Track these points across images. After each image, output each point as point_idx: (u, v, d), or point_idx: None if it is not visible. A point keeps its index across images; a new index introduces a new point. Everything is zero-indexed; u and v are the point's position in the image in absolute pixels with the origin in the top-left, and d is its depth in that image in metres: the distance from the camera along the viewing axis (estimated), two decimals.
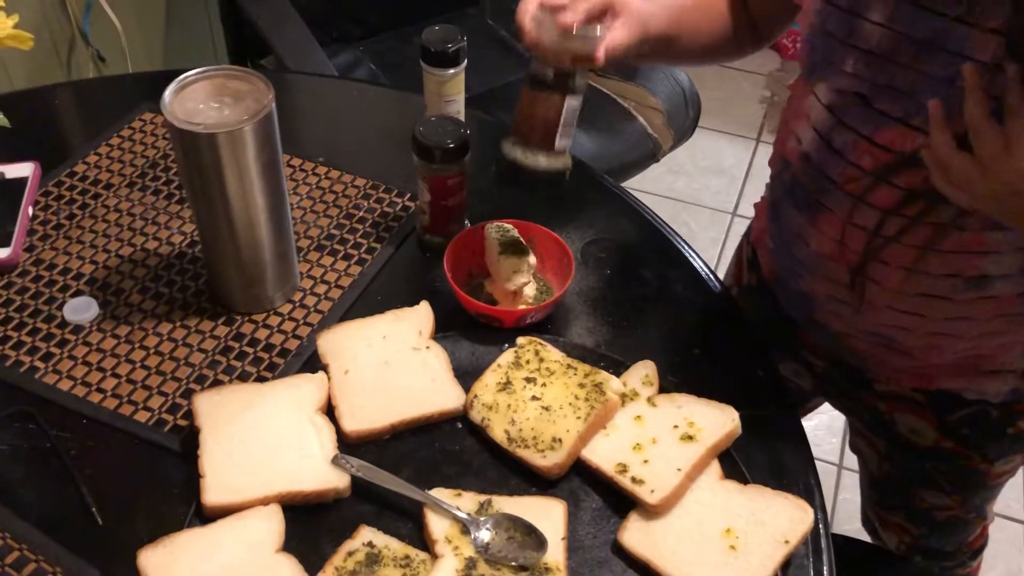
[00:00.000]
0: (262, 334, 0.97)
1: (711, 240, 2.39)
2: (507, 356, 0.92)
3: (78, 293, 1.00)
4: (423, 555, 0.78)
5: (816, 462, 0.89)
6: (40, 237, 1.06)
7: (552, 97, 0.91)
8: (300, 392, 0.88)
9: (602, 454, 0.85)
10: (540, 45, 0.87)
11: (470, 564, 0.77)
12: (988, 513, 1.11)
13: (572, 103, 0.91)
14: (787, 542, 0.79)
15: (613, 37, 0.86)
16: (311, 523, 0.81)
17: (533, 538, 0.78)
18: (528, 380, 0.90)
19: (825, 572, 0.81)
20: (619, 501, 0.83)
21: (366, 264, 1.04)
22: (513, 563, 0.77)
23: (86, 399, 0.90)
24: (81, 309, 0.98)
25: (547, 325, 0.98)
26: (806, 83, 0.88)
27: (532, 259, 0.96)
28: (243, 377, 0.93)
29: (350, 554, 0.77)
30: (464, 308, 0.96)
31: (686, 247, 1.08)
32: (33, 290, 1.00)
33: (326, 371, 0.91)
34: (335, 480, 0.82)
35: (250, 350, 0.95)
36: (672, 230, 1.11)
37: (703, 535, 0.80)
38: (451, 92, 1.07)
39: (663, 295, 1.03)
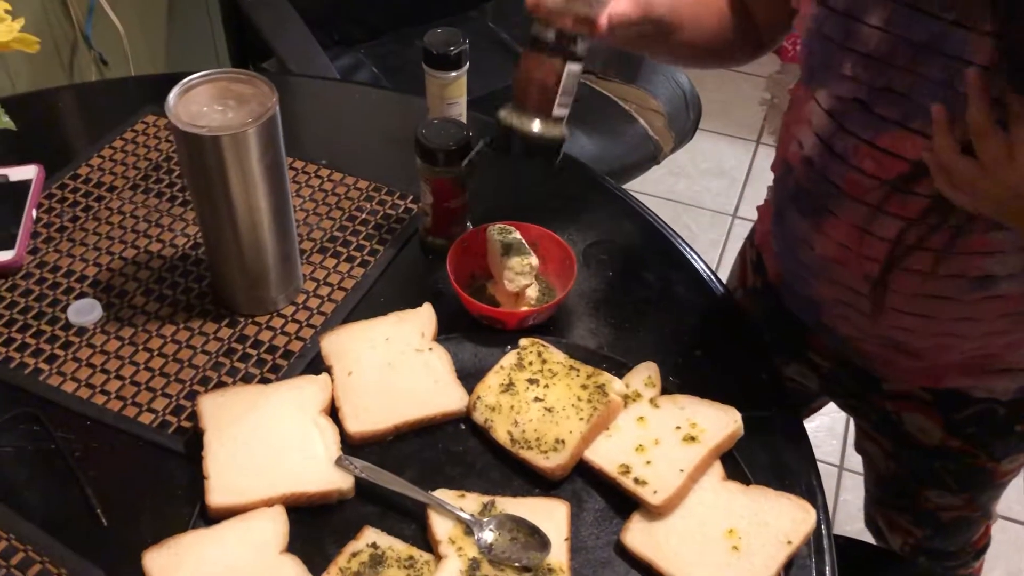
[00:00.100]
0: (266, 336, 0.97)
1: (712, 242, 2.39)
2: (510, 358, 0.92)
3: (82, 295, 1.00)
4: (427, 556, 0.79)
5: (817, 463, 0.89)
6: (44, 240, 1.06)
7: (552, 61, 0.88)
8: (304, 394, 0.89)
9: (605, 455, 0.85)
10: (543, 5, 0.85)
11: (474, 565, 0.77)
12: (993, 512, 1.11)
13: (572, 69, 0.88)
14: (790, 543, 0.79)
15: (616, 4, 0.86)
16: (315, 524, 0.81)
17: (536, 539, 0.78)
18: (531, 381, 0.90)
19: (827, 573, 0.81)
20: (622, 502, 0.83)
21: (369, 266, 1.04)
22: (516, 564, 0.77)
23: (90, 401, 0.91)
24: (85, 311, 0.98)
25: (549, 327, 0.98)
26: (806, 88, 0.88)
27: (534, 261, 0.96)
28: (247, 379, 0.93)
29: (354, 555, 0.78)
30: (467, 310, 0.97)
31: (687, 249, 1.08)
32: (37, 292, 1.01)
33: (329, 373, 0.91)
34: (339, 481, 0.82)
35: (254, 352, 0.96)
36: (674, 232, 1.11)
37: (706, 536, 0.80)
38: (453, 95, 1.08)
39: (665, 297, 1.03)
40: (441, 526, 0.79)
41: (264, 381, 0.93)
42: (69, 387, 0.92)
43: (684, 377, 0.93)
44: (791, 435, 0.90)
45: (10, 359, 0.94)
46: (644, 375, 0.91)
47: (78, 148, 1.19)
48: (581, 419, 0.86)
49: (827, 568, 0.81)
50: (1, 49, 0.94)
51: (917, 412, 1.00)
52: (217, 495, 0.81)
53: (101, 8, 1.78)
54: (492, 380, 0.90)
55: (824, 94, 0.85)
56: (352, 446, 0.86)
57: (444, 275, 0.97)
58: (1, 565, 0.77)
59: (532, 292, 0.98)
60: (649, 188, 2.46)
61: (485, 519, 0.80)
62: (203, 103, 0.88)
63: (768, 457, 0.88)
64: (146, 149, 1.18)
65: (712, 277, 1.06)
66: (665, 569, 0.78)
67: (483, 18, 2.05)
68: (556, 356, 0.92)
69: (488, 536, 0.79)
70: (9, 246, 1.03)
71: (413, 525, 0.82)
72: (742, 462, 0.86)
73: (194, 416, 0.88)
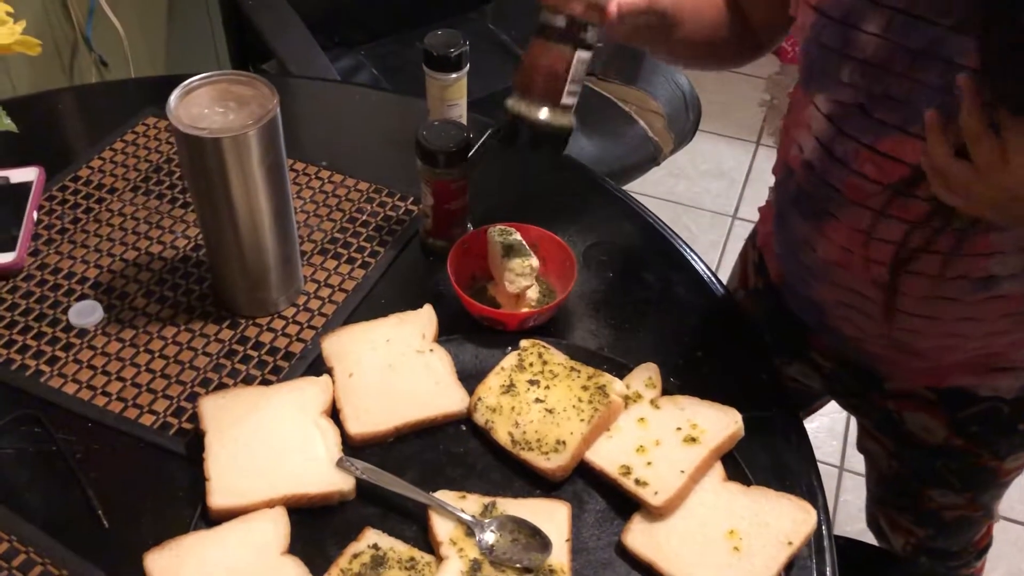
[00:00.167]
0: (266, 337, 0.97)
1: (711, 243, 2.40)
2: (510, 359, 0.92)
3: (83, 297, 1.00)
4: (428, 557, 0.79)
5: (818, 464, 0.89)
6: (45, 241, 1.06)
7: (562, 48, 0.87)
8: (304, 395, 0.89)
9: (606, 456, 0.85)
10: None
11: (475, 566, 0.77)
12: (995, 512, 1.11)
13: (582, 56, 0.88)
14: (790, 543, 0.79)
15: None
16: (316, 526, 0.82)
17: (537, 540, 0.79)
18: (531, 383, 0.90)
19: (828, 573, 0.81)
20: (623, 503, 0.83)
21: (369, 268, 1.04)
22: (517, 565, 0.77)
23: (91, 402, 0.91)
24: (86, 313, 0.98)
25: (550, 328, 0.98)
26: (805, 93, 0.88)
27: (535, 262, 0.96)
28: (248, 380, 0.93)
29: (355, 556, 0.78)
30: (467, 311, 0.97)
31: (687, 250, 1.09)
32: (38, 294, 1.01)
33: (330, 374, 0.91)
34: (340, 483, 0.82)
35: (254, 353, 0.96)
36: (674, 233, 1.11)
37: (706, 537, 0.80)
38: (453, 96, 1.08)
39: (665, 298, 1.03)
40: (442, 527, 0.80)
41: (265, 383, 0.93)
42: (70, 389, 0.92)
43: (685, 378, 0.93)
44: (791, 436, 0.91)
45: (11, 361, 0.94)
46: (645, 376, 0.91)
47: (79, 150, 1.19)
48: (582, 420, 0.86)
49: (828, 569, 0.81)
50: (3, 52, 0.94)
51: (920, 411, 1.00)
52: (218, 497, 0.81)
53: (101, 10, 1.79)
54: (493, 381, 0.91)
55: (823, 99, 0.85)
56: (353, 447, 0.86)
57: (445, 276, 0.98)
58: (3, 567, 0.77)
59: (533, 293, 0.98)
60: (649, 189, 2.47)
61: (486, 520, 0.80)
62: (204, 105, 0.88)
63: (769, 458, 0.88)
64: (147, 151, 1.18)
65: (712, 278, 1.06)
66: (666, 570, 0.78)
67: (483, 20, 2.05)
68: (557, 357, 0.92)
69: (489, 537, 0.79)
70: (10, 248, 1.03)
71: (414, 526, 0.82)
72: (743, 463, 0.86)
73: (195, 418, 0.88)
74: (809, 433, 0.92)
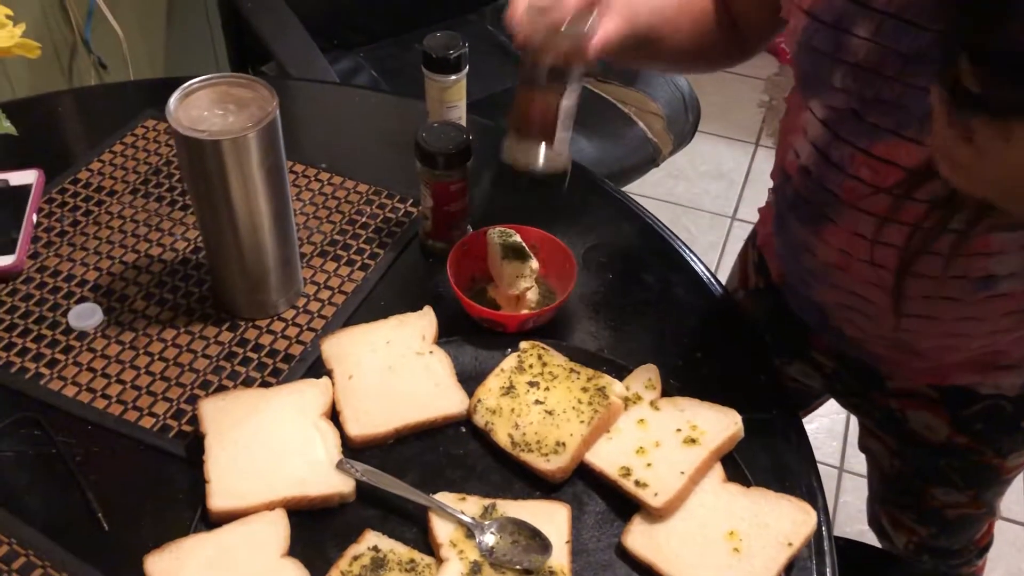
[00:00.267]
0: (266, 339, 0.97)
1: (711, 244, 2.40)
2: (510, 360, 0.92)
3: (82, 299, 1.00)
4: (428, 559, 0.79)
5: (817, 465, 0.89)
6: (44, 244, 1.06)
7: (547, 96, 0.89)
8: (304, 397, 0.89)
9: (605, 458, 0.85)
10: (531, 44, 0.86)
11: (475, 568, 0.77)
12: (997, 509, 1.12)
13: (567, 102, 0.90)
14: (790, 544, 0.79)
15: (604, 30, 0.86)
16: (316, 528, 0.82)
17: (537, 542, 0.79)
18: (531, 384, 0.90)
19: (828, 574, 0.81)
20: (623, 504, 0.83)
21: (369, 269, 1.04)
22: (518, 567, 0.77)
23: (91, 405, 0.91)
24: (86, 315, 0.98)
25: (550, 330, 0.98)
26: (801, 98, 0.88)
27: (534, 264, 0.96)
28: (247, 382, 0.93)
29: (355, 558, 0.78)
30: (467, 313, 0.97)
31: (687, 251, 1.09)
32: (38, 297, 1.01)
33: (330, 376, 0.91)
34: (340, 485, 0.82)
35: (254, 355, 0.96)
36: (673, 234, 1.11)
37: (706, 538, 0.80)
38: (453, 98, 1.08)
39: (665, 299, 1.04)
40: (442, 529, 0.80)
41: (265, 385, 0.93)
42: (70, 391, 0.92)
43: (684, 379, 0.93)
44: (791, 437, 0.91)
45: (11, 364, 0.94)
46: (644, 377, 0.91)
47: (78, 152, 1.19)
48: (582, 422, 0.86)
49: (828, 570, 0.81)
50: (2, 54, 0.94)
51: (923, 409, 1.00)
52: (218, 499, 0.81)
53: (100, 13, 1.79)
54: (492, 383, 0.91)
55: (817, 104, 0.85)
56: (353, 449, 0.86)
57: (444, 278, 0.98)
58: (3, 570, 0.77)
59: (532, 295, 0.98)
60: (648, 191, 2.47)
61: (486, 522, 0.80)
62: (203, 107, 0.88)
63: (768, 459, 0.88)
64: (146, 153, 1.18)
65: (712, 279, 1.06)
66: (666, 571, 0.78)
67: (482, 21, 2.05)
68: (556, 359, 0.92)
69: (489, 539, 0.79)
70: (10, 251, 1.03)
71: (414, 528, 0.82)
72: (742, 464, 0.86)
73: (195, 420, 0.88)
74: (809, 434, 0.92)
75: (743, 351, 0.99)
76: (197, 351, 0.96)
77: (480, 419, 0.88)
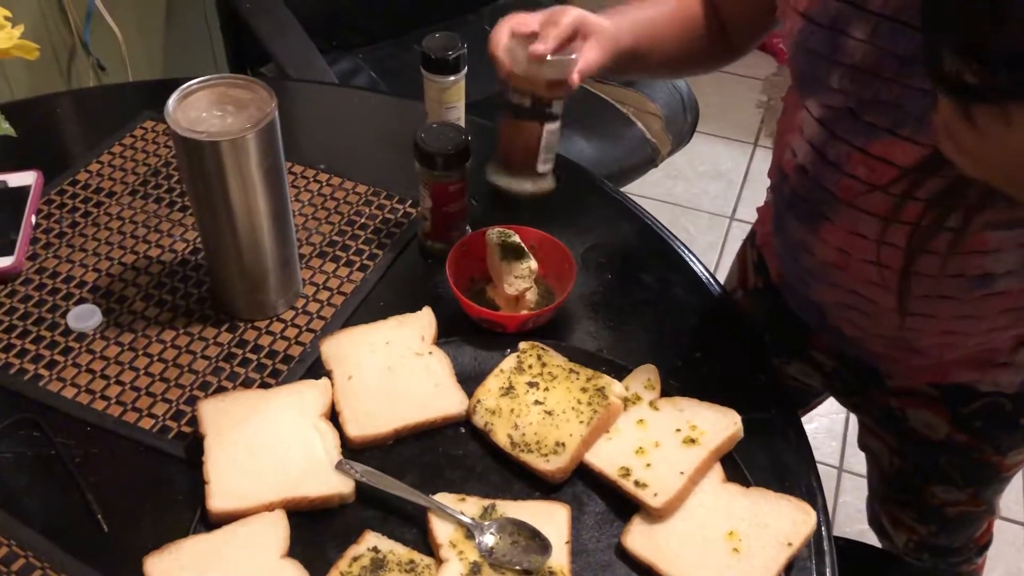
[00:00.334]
0: (265, 340, 0.97)
1: (709, 244, 2.40)
2: (509, 361, 0.93)
3: (82, 301, 1.00)
4: (428, 560, 0.79)
5: (817, 465, 0.89)
6: (43, 245, 1.06)
7: (531, 125, 0.93)
8: (304, 398, 0.89)
9: (605, 458, 0.85)
10: (514, 75, 0.88)
11: (475, 568, 0.77)
12: (996, 507, 1.12)
13: (551, 128, 0.94)
14: (790, 544, 0.79)
15: (586, 59, 0.88)
16: (316, 529, 0.82)
17: (537, 542, 0.79)
18: (531, 385, 0.90)
19: (828, 574, 0.81)
20: (622, 505, 0.83)
21: (368, 270, 1.04)
22: (517, 567, 0.77)
23: (90, 406, 0.91)
24: (85, 317, 0.98)
25: (549, 330, 0.98)
26: (798, 97, 0.89)
27: (533, 264, 0.96)
28: (247, 383, 0.93)
29: (355, 559, 0.78)
30: (466, 313, 0.97)
31: (686, 251, 1.09)
32: (37, 298, 1.01)
33: (329, 377, 0.91)
34: (339, 485, 0.82)
35: (253, 356, 0.96)
36: (672, 234, 1.11)
37: (706, 538, 0.80)
38: (452, 99, 1.08)
39: (664, 299, 1.04)
40: (442, 530, 0.80)
41: (264, 386, 0.93)
42: (69, 392, 0.92)
43: (683, 379, 0.93)
44: (791, 437, 0.91)
45: (10, 365, 0.94)
46: (643, 378, 0.91)
47: (77, 154, 1.19)
48: (581, 422, 0.86)
49: (827, 570, 0.81)
50: (1, 56, 0.94)
51: (923, 408, 1.00)
52: (218, 500, 0.81)
53: (99, 14, 1.79)
54: (492, 383, 0.91)
55: (814, 103, 0.85)
56: (352, 450, 0.86)
57: (443, 279, 0.98)
58: (2, 571, 0.77)
59: (531, 295, 0.98)
60: (647, 191, 2.47)
61: (486, 523, 0.80)
62: (202, 109, 0.88)
63: (768, 459, 0.88)
64: (145, 154, 1.18)
65: (710, 279, 1.06)
66: (666, 571, 0.78)
67: (481, 22, 2.05)
68: (556, 359, 0.92)
69: (489, 539, 0.79)
70: (8, 252, 1.03)
71: (414, 529, 0.82)
72: (742, 464, 0.86)
73: (194, 421, 0.88)
74: (808, 434, 0.92)
75: (742, 351, 0.99)
76: (196, 352, 0.96)
77: (479, 420, 0.88)
